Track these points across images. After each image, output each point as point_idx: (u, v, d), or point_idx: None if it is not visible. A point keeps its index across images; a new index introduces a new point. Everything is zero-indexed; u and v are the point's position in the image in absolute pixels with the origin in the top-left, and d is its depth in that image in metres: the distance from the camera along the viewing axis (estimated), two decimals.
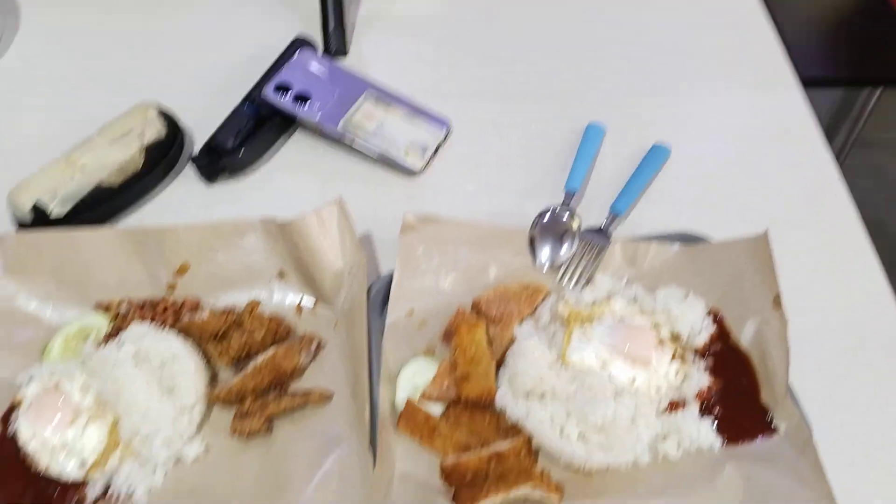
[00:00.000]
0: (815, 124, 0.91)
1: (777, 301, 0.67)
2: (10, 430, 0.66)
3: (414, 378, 0.69)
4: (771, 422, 0.64)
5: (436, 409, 0.67)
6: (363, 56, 1.01)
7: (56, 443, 0.64)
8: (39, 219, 0.78)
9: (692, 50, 1.01)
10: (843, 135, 1.57)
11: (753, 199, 0.84)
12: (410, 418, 0.65)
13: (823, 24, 1.47)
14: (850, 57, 1.42)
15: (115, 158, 0.81)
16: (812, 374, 0.69)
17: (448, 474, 0.62)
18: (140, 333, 0.68)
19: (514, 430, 0.65)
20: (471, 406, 0.67)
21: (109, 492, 0.64)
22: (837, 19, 1.48)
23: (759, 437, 0.64)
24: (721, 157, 0.88)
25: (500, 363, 0.69)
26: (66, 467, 0.64)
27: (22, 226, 0.79)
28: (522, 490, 0.60)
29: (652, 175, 0.85)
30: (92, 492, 0.63)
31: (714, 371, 0.68)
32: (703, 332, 0.70)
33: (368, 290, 0.72)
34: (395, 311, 0.72)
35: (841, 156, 1.63)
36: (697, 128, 0.91)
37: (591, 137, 0.88)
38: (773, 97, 0.95)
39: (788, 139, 0.90)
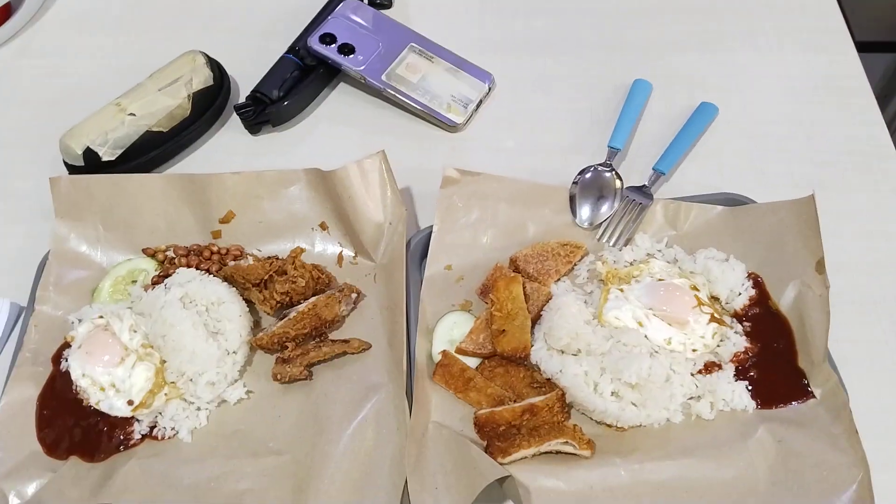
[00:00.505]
0: (868, 88, 0.88)
1: (820, 265, 0.66)
2: (63, 366, 0.69)
3: (451, 331, 0.70)
4: (807, 386, 0.64)
5: (471, 362, 0.68)
6: (407, 7, 0.99)
7: (105, 381, 0.67)
8: (91, 163, 0.80)
9: (744, 6, 0.97)
10: None
11: (801, 162, 0.82)
12: (446, 370, 0.67)
13: None
14: None
15: (163, 105, 0.82)
16: (851, 341, 0.68)
17: (482, 425, 0.64)
18: (187, 278, 0.70)
19: (548, 385, 0.66)
20: (506, 360, 0.68)
21: (155, 430, 0.67)
22: None
23: (795, 401, 0.64)
24: (770, 117, 0.86)
25: (535, 319, 0.69)
26: (114, 404, 0.66)
27: (73, 170, 0.81)
28: (554, 444, 0.61)
29: (698, 134, 0.83)
30: (139, 428, 0.67)
31: (751, 334, 0.68)
32: (742, 295, 0.69)
33: (408, 244, 0.73)
34: (434, 264, 0.73)
35: (894, 124, 1.58)
36: (747, 87, 0.89)
37: (638, 94, 0.86)
38: (827, 58, 0.92)
39: (840, 102, 0.87)
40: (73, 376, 0.67)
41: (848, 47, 0.93)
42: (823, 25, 0.95)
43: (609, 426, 0.64)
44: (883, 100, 1.54)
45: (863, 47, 1.33)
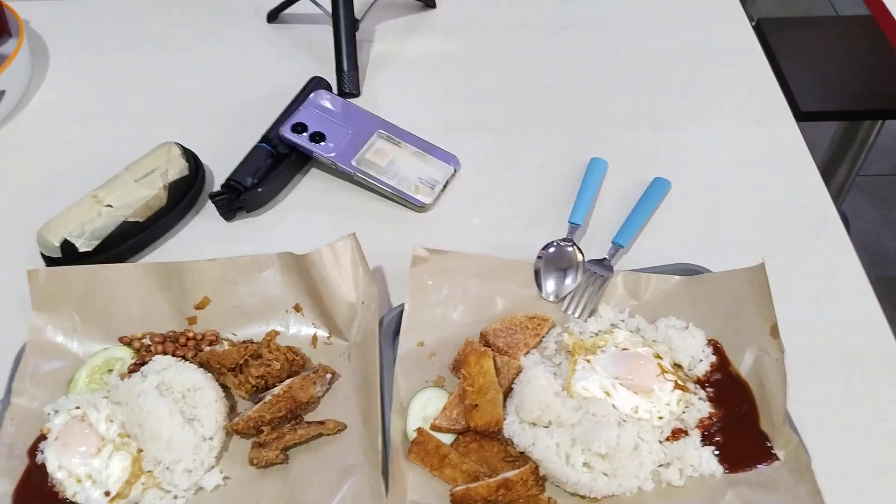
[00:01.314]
0: (809, 157, 0.94)
1: (775, 330, 0.70)
2: (38, 459, 0.69)
3: (425, 408, 0.71)
4: (770, 449, 0.66)
5: (446, 439, 0.69)
6: (375, 95, 1.05)
7: (82, 472, 0.67)
8: (68, 254, 0.82)
9: (691, 85, 1.04)
10: (845, 167, 1.59)
11: (751, 230, 0.87)
12: (422, 447, 0.68)
13: (823, 58, 1.50)
14: (849, 91, 1.45)
15: (140, 196, 0.85)
16: (810, 401, 0.71)
17: (458, 502, 0.65)
18: (163, 365, 0.71)
19: (521, 458, 0.68)
20: (480, 435, 0.69)
21: None
22: (837, 54, 1.52)
23: (759, 464, 0.66)
24: (720, 189, 0.91)
25: (507, 393, 0.71)
26: (91, 496, 0.66)
27: (50, 262, 0.83)
28: None
29: (653, 208, 0.88)
30: None
31: (715, 400, 0.70)
32: (703, 362, 0.72)
33: (380, 322, 0.75)
34: (407, 342, 0.75)
35: (844, 188, 1.66)
36: (697, 161, 0.94)
37: (594, 171, 0.91)
38: (770, 131, 0.98)
39: (784, 171, 0.93)
40: (49, 469, 0.67)
41: (788, 119, 0.99)
42: (765, 100, 1.02)
43: (582, 497, 0.65)
44: (832, 164, 1.63)
45: (808, 117, 1.41)
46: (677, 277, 0.77)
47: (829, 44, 1.54)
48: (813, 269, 0.83)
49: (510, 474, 0.64)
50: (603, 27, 1.13)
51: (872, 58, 1.49)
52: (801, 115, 1.38)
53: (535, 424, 0.68)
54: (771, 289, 0.71)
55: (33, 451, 0.70)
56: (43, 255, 0.84)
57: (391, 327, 0.76)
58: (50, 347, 0.76)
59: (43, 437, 0.70)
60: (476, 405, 0.69)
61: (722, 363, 0.72)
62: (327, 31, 1.06)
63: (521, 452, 0.67)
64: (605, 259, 0.81)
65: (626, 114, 1.01)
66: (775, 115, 1.00)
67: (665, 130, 0.98)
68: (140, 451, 0.68)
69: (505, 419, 0.69)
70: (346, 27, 1.03)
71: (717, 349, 0.73)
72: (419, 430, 0.69)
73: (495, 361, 0.72)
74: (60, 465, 0.67)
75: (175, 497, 0.67)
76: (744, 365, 0.71)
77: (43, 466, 0.68)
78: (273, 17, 1.16)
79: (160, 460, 0.67)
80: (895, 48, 1.17)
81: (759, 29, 1.51)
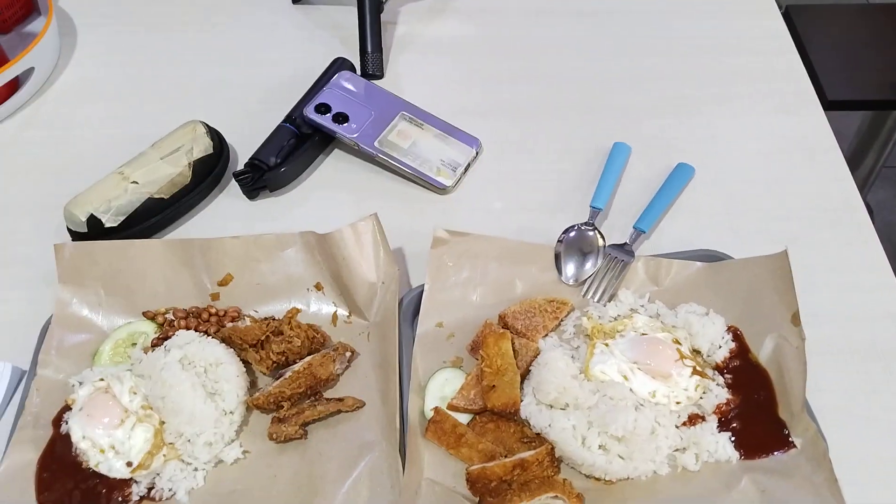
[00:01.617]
0: (837, 147, 0.93)
1: (796, 318, 0.69)
2: (63, 429, 0.70)
3: (442, 388, 0.72)
4: (787, 436, 0.66)
5: (463, 419, 0.70)
6: (398, 77, 1.05)
7: (105, 443, 0.68)
8: (94, 230, 0.83)
9: (717, 72, 1.03)
10: (871, 157, 1.57)
11: (775, 219, 0.86)
12: (438, 427, 0.68)
13: (851, 47, 1.48)
14: (878, 80, 1.42)
15: (165, 173, 0.86)
16: (829, 390, 0.71)
17: (473, 481, 0.65)
18: (186, 339, 0.73)
19: (537, 439, 0.68)
20: (496, 416, 0.70)
21: (153, 491, 0.68)
22: (866, 43, 1.49)
23: (776, 451, 0.65)
24: (744, 176, 0.90)
25: (524, 375, 0.72)
26: (113, 466, 0.67)
27: (77, 236, 0.84)
28: (545, 499, 0.63)
29: (676, 193, 0.87)
30: (137, 490, 0.68)
31: (733, 386, 0.70)
32: (722, 348, 0.72)
33: (400, 302, 0.76)
34: (426, 322, 0.75)
35: (870, 178, 1.63)
36: (721, 148, 0.93)
37: (617, 156, 0.90)
38: (796, 119, 0.96)
39: (810, 161, 0.92)
40: (74, 439, 0.69)
41: (816, 108, 0.98)
42: (792, 88, 1.01)
43: (598, 479, 0.66)
44: (858, 155, 1.61)
45: (835, 106, 1.39)
46: (699, 263, 0.77)
47: (859, 32, 1.51)
48: (837, 260, 0.82)
49: (526, 455, 0.65)
50: (629, 13, 1.12)
51: None
52: (828, 104, 1.36)
53: (551, 406, 0.68)
54: (793, 277, 0.71)
55: (58, 421, 0.71)
56: (69, 230, 0.85)
57: (410, 308, 0.77)
58: (75, 320, 0.77)
59: (68, 408, 0.71)
60: (493, 386, 0.69)
61: (741, 350, 0.72)
62: (352, 13, 1.06)
63: (538, 434, 0.68)
64: (626, 244, 0.81)
65: (650, 100, 1.00)
66: (803, 104, 0.99)
67: (690, 117, 0.97)
68: (162, 423, 0.69)
69: (522, 401, 0.69)
70: (370, 9, 1.03)
71: (737, 336, 0.72)
72: (436, 409, 0.69)
73: (513, 343, 0.72)
74: (84, 436, 0.69)
75: (195, 469, 0.68)
76: (763, 352, 0.71)
77: (67, 436, 0.69)
78: None
79: (182, 433, 0.68)
80: None
81: (787, 16, 1.48)
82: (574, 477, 0.66)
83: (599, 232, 0.82)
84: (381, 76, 1.04)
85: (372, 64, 1.03)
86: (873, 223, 0.86)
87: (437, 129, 0.94)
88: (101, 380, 0.72)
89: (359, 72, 1.03)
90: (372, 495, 0.64)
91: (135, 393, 0.71)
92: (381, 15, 1.05)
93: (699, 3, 1.13)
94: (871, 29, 1.52)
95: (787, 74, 1.02)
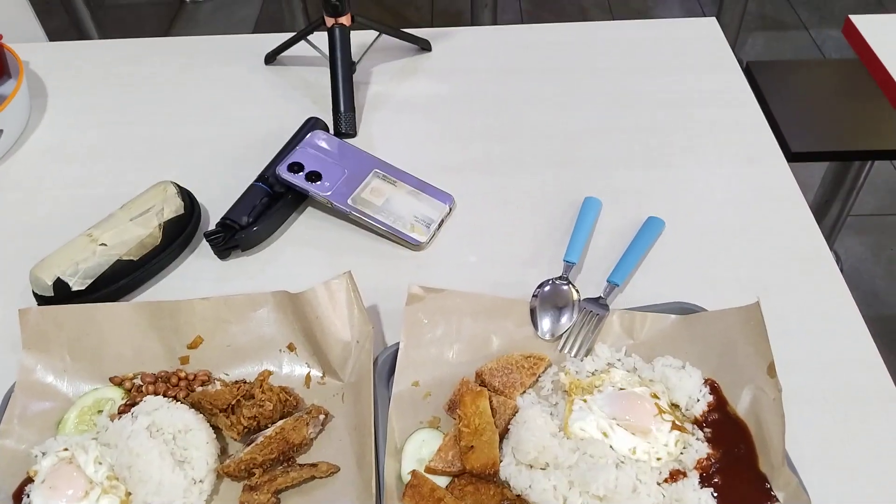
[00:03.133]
0: (801, 196, 0.95)
1: (771, 369, 0.69)
2: (24, 503, 0.67)
3: (419, 449, 0.70)
4: (770, 490, 0.65)
5: (441, 481, 0.68)
6: (371, 135, 1.06)
7: None
8: (60, 293, 0.81)
9: (684, 125, 1.05)
10: (837, 206, 1.61)
11: (745, 268, 0.87)
12: (416, 490, 0.66)
13: (811, 100, 1.53)
14: (838, 132, 1.47)
15: (135, 234, 0.85)
16: (808, 440, 0.71)
17: None
18: (154, 405, 0.70)
19: (518, 501, 0.66)
20: (476, 477, 0.68)
21: None
22: (825, 96, 1.54)
23: None
24: (713, 228, 0.92)
25: (503, 433, 0.70)
26: None
27: (43, 300, 0.82)
28: None
29: (647, 246, 0.88)
30: None
31: (712, 440, 0.69)
32: (700, 402, 0.71)
33: (375, 361, 0.75)
34: (401, 381, 0.74)
35: (836, 227, 1.67)
36: (690, 199, 0.95)
37: (589, 210, 0.91)
38: (762, 170, 0.99)
39: (777, 210, 0.93)
40: None
41: (779, 160, 1.00)
42: (757, 140, 1.03)
43: None
44: (823, 204, 1.65)
45: (799, 157, 1.43)
46: (673, 316, 0.77)
47: (818, 86, 1.57)
48: (808, 308, 0.83)
49: None
50: (595, 70, 1.15)
51: (860, 100, 1.52)
52: (791, 156, 1.40)
53: (531, 466, 0.67)
54: (766, 327, 0.71)
55: (19, 494, 0.68)
56: (35, 294, 0.83)
57: (386, 367, 0.75)
58: (39, 387, 0.75)
59: (30, 480, 0.68)
60: (472, 446, 0.68)
61: (719, 402, 0.71)
62: (324, 73, 1.07)
63: (518, 495, 0.66)
64: (600, 297, 0.81)
65: (619, 153, 1.02)
66: (766, 156, 1.01)
67: (658, 170, 0.99)
68: (129, 494, 0.67)
69: (501, 461, 0.68)
70: (343, 69, 1.05)
71: (714, 388, 0.72)
72: (414, 473, 0.67)
73: (491, 401, 0.71)
74: None
75: None
76: (741, 404, 0.70)
77: None
78: (271, 59, 1.18)
79: (150, 503, 0.66)
80: (882, 90, 1.19)
81: (748, 71, 1.53)
82: None
83: (573, 286, 0.82)
84: (353, 135, 1.05)
85: (345, 123, 1.04)
86: (841, 271, 0.87)
87: (411, 186, 0.94)
88: (65, 450, 0.69)
89: (332, 131, 1.04)
90: None
91: (100, 463, 0.68)
92: (354, 75, 1.07)
93: (665, 59, 1.17)
94: (829, 82, 1.58)
95: (751, 127, 1.05)
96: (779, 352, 0.70)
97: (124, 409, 0.73)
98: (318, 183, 0.92)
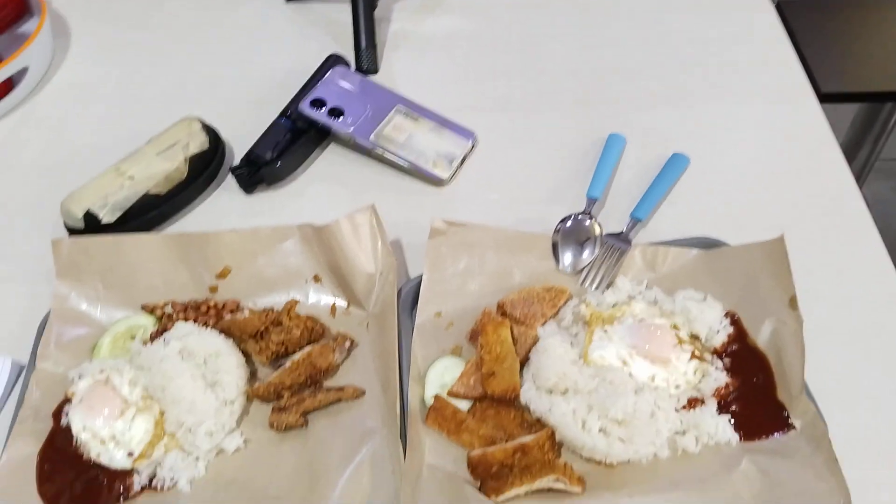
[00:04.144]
0: (832, 137, 0.93)
1: (793, 302, 0.70)
2: (63, 422, 0.70)
3: (442, 376, 0.72)
4: (787, 418, 0.66)
5: (463, 405, 0.70)
6: (393, 72, 1.05)
7: (105, 434, 0.68)
8: (90, 225, 0.83)
9: (712, 63, 1.03)
10: (866, 150, 1.58)
11: (770, 207, 0.86)
12: (439, 413, 0.68)
13: (843, 39, 1.49)
14: (870, 73, 1.43)
15: (161, 168, 0.86)
16: (828, 372, 0.71)
17: (474, 466, 0.65)
18: (185, 331, 0.73)
19: (537, 424, 0.68)
20: (496, 402, 0.70)
21: (154, 481, 0.68)
22: (858, 36, 1.50)
23: (776, 433, 0.66)
24: (739, 165, 0.91)
25: (524, 362, 0.72)
26: (114, 457, 0.68)
27: (74, 232, 0.84)
28: (546, 481, 0.63)
29: (671, 183, 0.88)
30: (138, 480, 0.67)
31: (732, 370, 0.70)
32: (720, 333, 0.72)
33: (398, 293, 0.76)
34: (424, 312, 0.75)
35: (864, 171, 1.64)
36: (716, 138, 0.94)
37: (613, 147, 0.91)
38: (792, 109, 0.97)
39: (806, 151, 0.92)
40: (74, 430, 0.68)
41: (810, 99, 0.99)
42: (787, 79, 1.01)
43: (598, 463, 0.66)
44: (852, 147, 1.62)
45: (829, 98, 1.40)
46: (695, 250, 0.77)
47: (850, 25, 1.52)
48: (833, 246, 0.82)
49: (527, 439, 0.65)
50: (624, 6, 1.13)
51: (893, 40, 1.47)
52: (822, 97, 1.36)
53: (551, 392, 0.68)
54: (790, 263, 0.71)
55: (58, 413, 0.71)
56: (66, 227, 0.85)
57: (409, 298, 0.77)
58: (74, 315, 0.77)
59: (67, 401, 0.71)
60: (493, 373, 0.69)
61: (739, 334, 0.72)
62: (345, 10, 1.06)
63: (538, 419, 0.68)
64: (622, 233, 0.81)
65: (645, 91, 1.00)
66: (797, 95, 0.99)
67: (685, 108, 0.98)
68: (162, 413, 0.69)
69: (521, 386, 0.69)
70: (364, 4, 1.04)
71: (735, 320, 0.73)
72: (436, 397, 0.69)
73: (512, 332, 0.72)
74: (85, 427, 0.69)
75: (197, 458, 0.68)
76: (762, 336, 0.71)
77: (68, 428, 0.69)
78: None
79: (182, 422, 0.68)
80: None
81: (779, 9, 1.49)
82: (575, 461, 0.66)
83: (596, 220, 0.82)
84: (375, 71, 1.04)
85: (366, 59, 1.03)
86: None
87: (433, 123, 0.94)
88: (101, 372, 0.72)
89: (353, 68, 1.04)
90: (373, 481, 0.64)
91: (134, 384, 0.71)
92: (375, 12, 1.06)
93: None
94: (862, 21, 1.53)
95: (781, 66, 1.03)
96: (801, 287, 0.70)
97: (156, 335, 0.75)
98: (341, 119, 0.92)
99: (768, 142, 0.94)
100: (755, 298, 0.73)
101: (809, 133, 0.94)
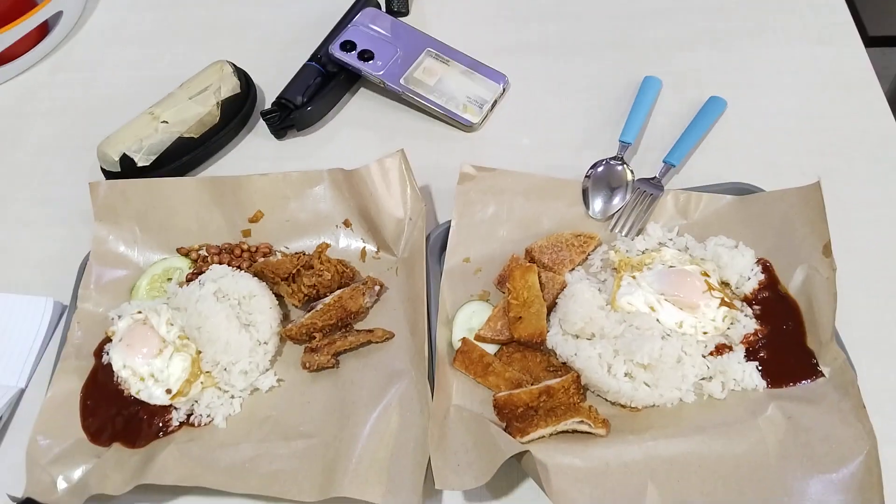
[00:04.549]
0: (877, 82, 0.90)
1: (827, 249, 0.69)
2: (104, 359, 0.73)
3: (469, 320, 0.73)
4: (815, 365, 0.66)
5: (490, 349, 0.71)
6: (424, 15, 1.03)
7: (144, 372, 0.71)
8: (126, 168, 0.84)
9: (750, 4, 1.00)
10: None
11: (809, 153, 0.84)
12: (466, 356, 0.69)
13: None
14: None
15: (194, 112, 0.86)
16: (859, 323, 0.70)
17: (500, 407, 0.66)
18: (219, 273, 0.74)
19: (563, 368, 0.69)
20: (523, 346, 0.71)
21: (192, 417, 0.70)
22: None
23: (804, 379, 0.66)
24: (778, 110, 0.88)
25: (551, 307, 0.72)
26: (153, 393, 0.70)
27: (110, 175, 0.86)
28: (571, 423, 0.64)
29: (707, 127, 0.86)
30: (177, 416, 0.70)
31: (761, 317, 0.70)
32: (751, 280, 0.71)
33: (427, 237, 0.76)
34: (453, 257, 0.76)
35: None
36: (755, 81, 0.91)
37: (648, 90, 0.89)
38: (834, 52, 0.93)
39: (848, 95, 0.89)
40: (115, 368, 0.71)
41: (855, 41, 0.95)
42: (830, 20, 0.97)
43: (623, 406, 0.67)
44: None
45: (876, 42, 1.35)
46: (729, 197, 0.76)
47: None
48: (871, 195, 0.80)
49: (552, 382, 0.66)
50: None
51: None
52: (868, 41, 1.31)
53: (577, 336, 0.69)
54: (826, 210, 0.70)
55: (99, 352, 0.74)
56: (103, 170, 0.87)
57: (437, 243, 0.77)
58: (112, 257, 0.79)
59: (108, 340, 0.74)
60: (520, 317, 0.70)
61: (770, 281, 0.71)
62: None
63: (564, 363, 0.69)
64: (655, 178, 0.80)
65: (681, 34, 0.97)
66: (841, 37, 0.95)
67: (723, 50, 0.95)
68: (199, 352, 0.72)
69: (548, 331, 0.70)
70: None
71: (767, 268, 0.72)
72: (464, 340, 0.70)
73: (540, 277, 0.73)
74: (125, 365, 0.71)
75: (232, 396, 0.71)
76: (793, 283, 0.70)
77: (108, 366, 0.72)
78: None
79: (218, 361, 0.70)
80: None
81: None
82: (600, 404, 0.67)
83: (628, 166, 0.81)
84: (406, 13, 1.03)
85: (397, 1, 1.01)
86: None
87: (464, 66, 0.93)
88: (139, 312, 0.74)
89: (384, 9, 1.02)
90: (402, 420, 0.66)
91: (171, 324, 0.73)
92: None
93: None
94: None
95: (826, 6, 0.99)
96: (837, 237, 0.69)
97: (191, 277, 0.77)
98: (371, 62, 0.91)
99: (809, 85, 0.91)
100: (789, 245, 0.72)
101: (853, 78, 0.91)
